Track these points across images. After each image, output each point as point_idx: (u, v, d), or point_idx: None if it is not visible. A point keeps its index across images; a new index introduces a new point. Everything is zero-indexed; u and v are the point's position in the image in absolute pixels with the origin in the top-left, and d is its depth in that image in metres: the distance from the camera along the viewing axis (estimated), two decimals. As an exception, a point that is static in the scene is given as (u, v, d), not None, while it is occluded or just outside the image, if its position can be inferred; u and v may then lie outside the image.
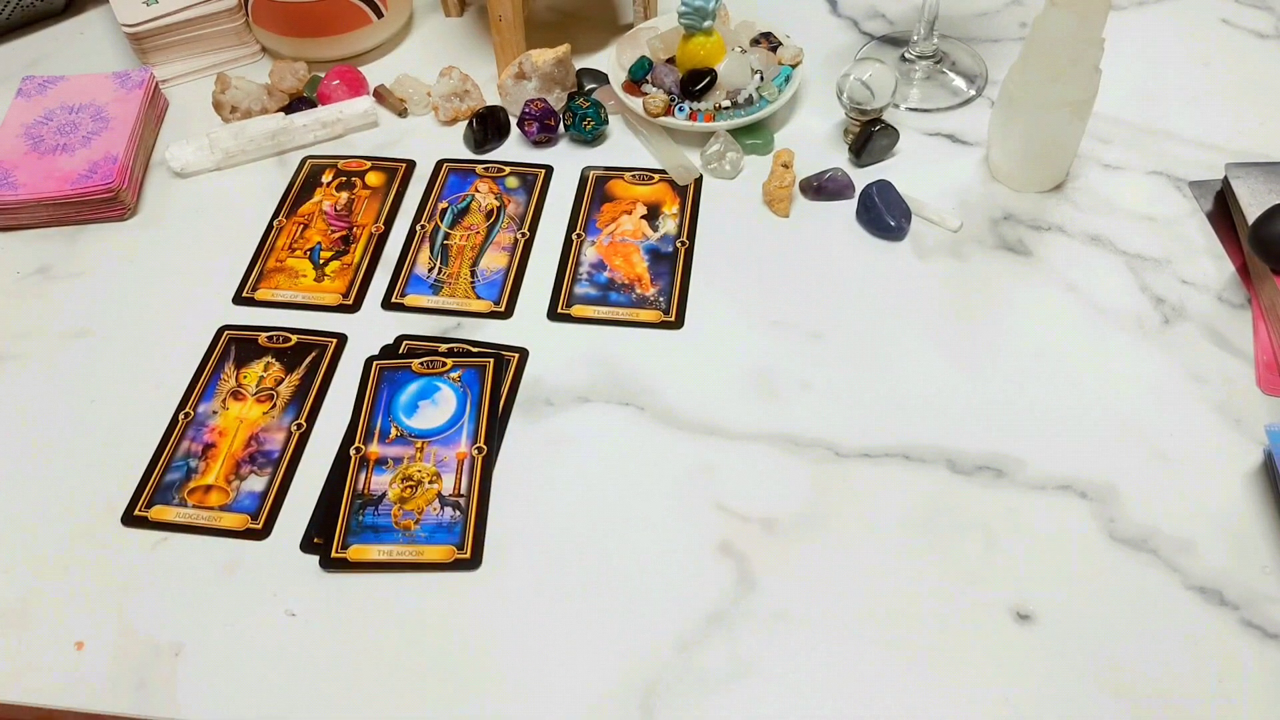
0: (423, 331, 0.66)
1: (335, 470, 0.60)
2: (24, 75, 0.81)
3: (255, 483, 0.59)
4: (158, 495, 0.59)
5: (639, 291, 0.68)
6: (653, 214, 0.72)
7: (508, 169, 0.76)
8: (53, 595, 0.55)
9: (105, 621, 0.54)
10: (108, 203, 0.73)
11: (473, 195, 0.74)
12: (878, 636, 0.52)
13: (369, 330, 0.66)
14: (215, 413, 0.63)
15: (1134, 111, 0.76)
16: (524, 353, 0.65)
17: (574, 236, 0.71)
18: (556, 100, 0.79)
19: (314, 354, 0.65)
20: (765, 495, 0.57)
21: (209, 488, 0.59)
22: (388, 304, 0.68)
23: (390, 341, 0.66)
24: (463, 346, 0.65)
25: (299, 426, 0.62)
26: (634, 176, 0.75)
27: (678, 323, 0.66)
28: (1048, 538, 0.55)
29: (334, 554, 0.56)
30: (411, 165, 0.77)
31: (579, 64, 0.82)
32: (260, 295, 0.69)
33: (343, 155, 0.78)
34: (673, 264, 0.69)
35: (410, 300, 0.68)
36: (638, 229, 0.71)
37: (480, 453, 0.60)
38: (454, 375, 0.63)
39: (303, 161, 0.77)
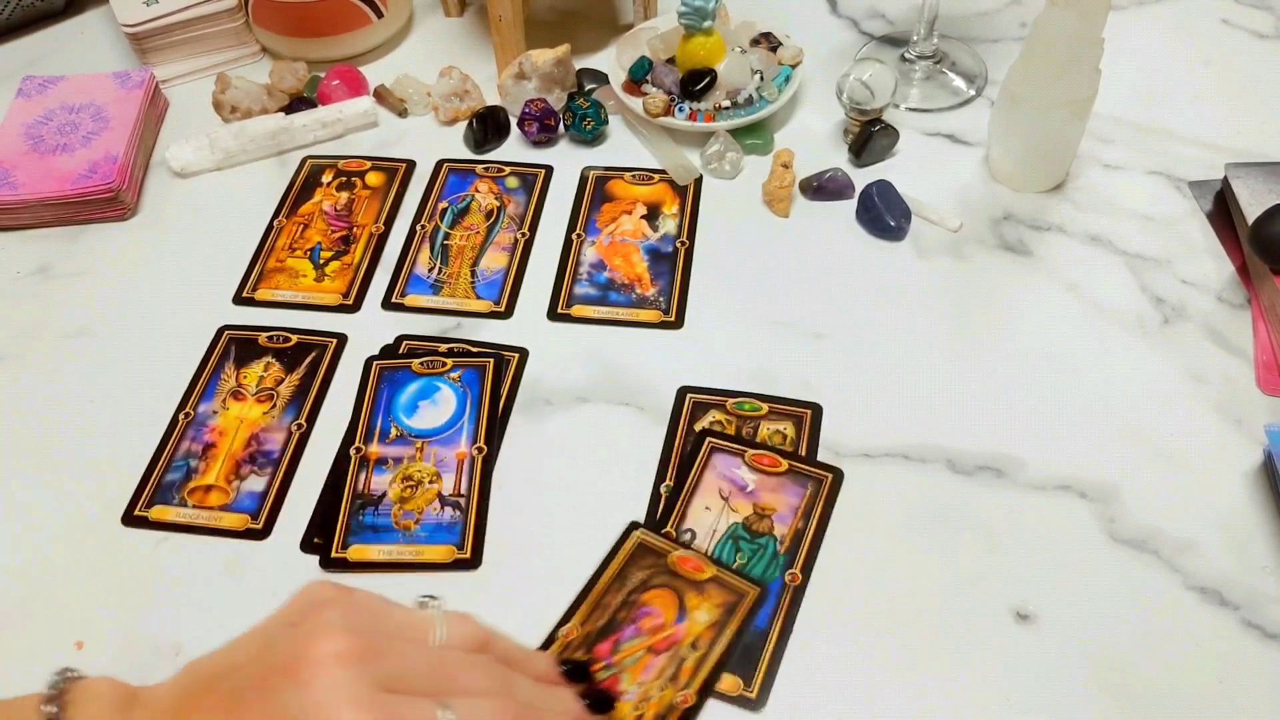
0: (423, 331, 0.66)
1: (335, 470, 0.60)
2: (24, 75, 0.81)
3: (255, 483, 0.59)
4: (158, 495, 0.59)
5: (639, 291, 0.68)
6: (653, 214, 0.72)
7: (508, 169, 0.76)
8: (53, 595, 0.55)
9: (105, 621, 0.54)
10: (108, 203, 0.73)
11: (473, 195, 0.74)
12: (878, 636, 0.52)
13: (369, 330, 0.66)
14: (215, 413, 0.63)
15: (1134, 111, 0.76)
16: (524, 353, 0.65)
17: (574, 236, 0.71)
18: (556, 100, 0.78)
19: (314, 354, 0.65)
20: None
21: (209, 488, 0.59)
22: (388, 304, 0.68)
23: (390, 341, 0.66)
24: (463, 346, 0.65)
25: (299, 426, 0.62)
26: (634, 176, 0.75)
27: (678, 323, 0.66)
28: (1048, 538, 0.55)
29: (334, 554, 0.56)
30: (411, 165, 0.77)
31: (579, 64, 0.82)
32: (260, 295, 0.69)
33: (343, 155, 0.78)
34: (673, 264, 0.69)
35: (410, 300, 0.68)
36: (638, 229, 0.71)
37: (480, 453, 0.60)
38: (454, 375, 0.63)
39: (303, 161, 0.77)
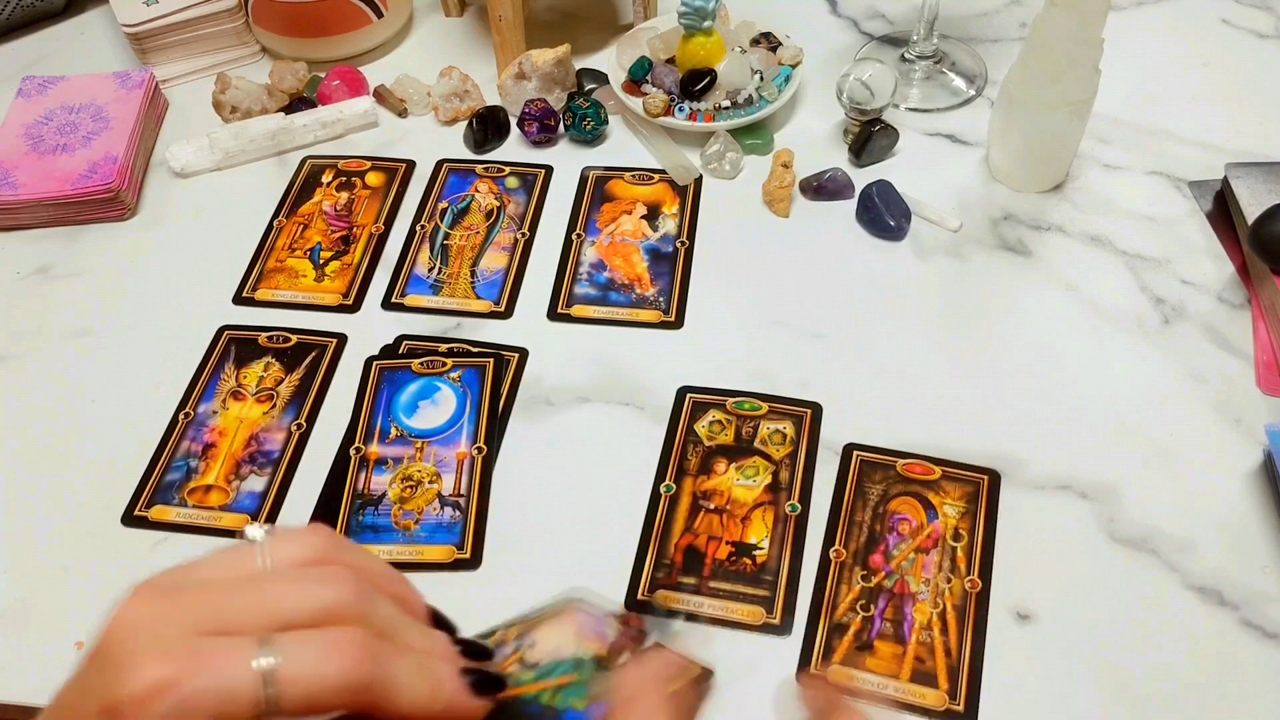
0: (423, 331, 0.66)
1: (335, 470, 0.60)
2: (24, 75, 0.81)
3: (255, 483, 0.59)
4: (158, 495, 0.59)
5: (639, 291, 0.68)
6: (652, 214, 0.72)
7: (508, 169, 0.76)
8: (53, 595, 0.55)
9: (105, 621, 0.54)
10: (108, 203, 0.73)
11: (473, 195, 0.74)
12: (877, 636, 0.52)
13: (369, 330, 0.66)
14: (215, 413, 0.63)
15: (1134, 111, 0.76)
16: (524, 353, 0.65)
17: (574, 236, 0.71)
18: (556, 100, 0.79)
19: (314, 354, 0.65)
20: (765, 495, 0.57)
21: (209, 488, 0.59)
22: (388, 304, 0.68)
23: (390, 341, 0.66)
24: (463, 346, 0.65)
25: (299, 426, 0.62)
26: (634, 176, 0.75)
27: (677, 322, 0.66)
28: (1048, 538, 0.55)
29: (334, 554, 0.56)
30: (411, 165, 0.77)
31: (579, 64, 0.82)
32: (260, 295, 0.69)
33: (343, 155, 0.78)
34: (672, 264, 0.69)
35: (410, 300, 0.68)
36: (637, 229, 0.71)
37: (480, 453, 0.60)
38: (454, 375, 0.63)
39: (303, 161, 0.77)
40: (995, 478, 0.56)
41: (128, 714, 0.29)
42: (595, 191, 0.74)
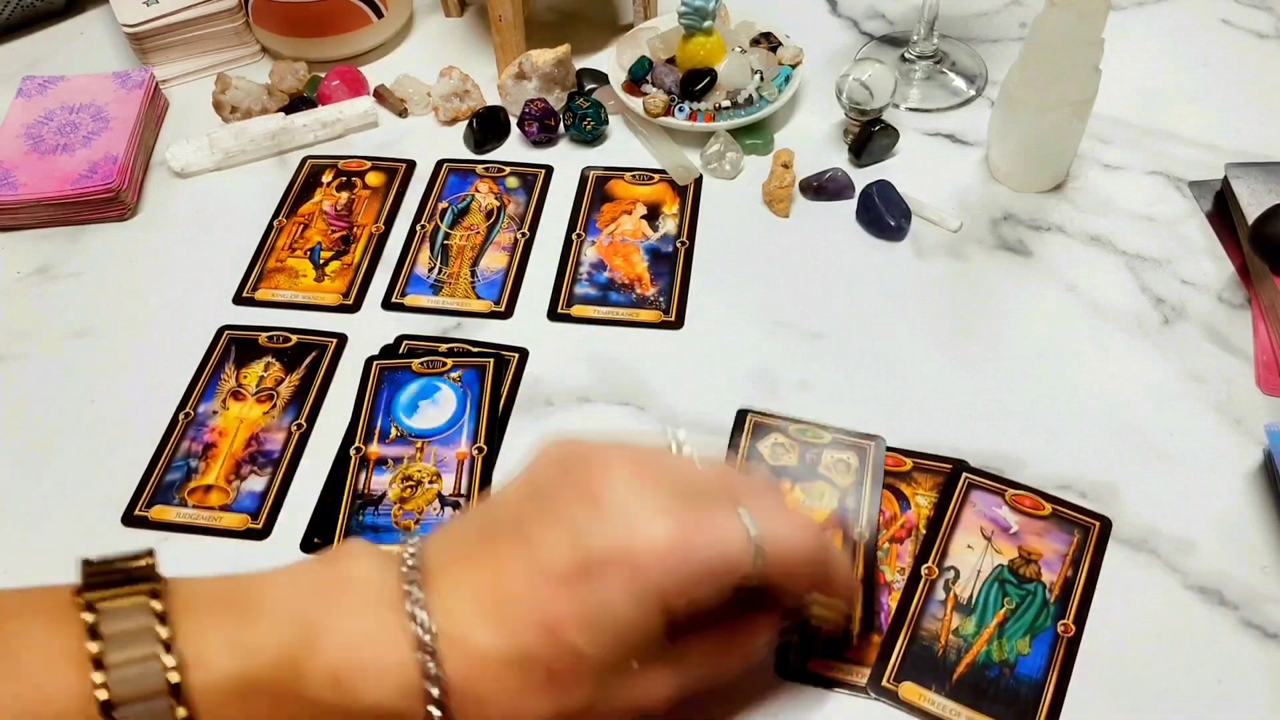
0: (423, 331, 0.66)
1: (335, 470, 0.60)
2: (24, 75, 0.81)
3: (255, 483, 0.59)
4: (158, 495, 0.59)
5: (639, 291, 0.68)
6: (653, 214, 0.72)
7: (508, 169, 0.76)
8: (53, 595, 0.55)
9: (105, 621, 0.54)
10: (108, 203, 0.73)
11: (473, 195, 0.74)
12: (877, 636, 0.52)
13: (369, 330, 0.66)
14: (215, 413, 0.63)
15: (1134, 111, 0.76)
16: (524, 353, 0.65)
17: (574, 236, 0.71)
18: (556, 100, 0.79)
19: (314, 354, 0.65)
20: (765, 495, 0.57)
21: (209, 488, 0.59)
22: (388, 304, 0.68)
23: (390, 341, 0.66)
24: (463, 346, 0.65)
25: (299, 426, 0.62)
26: (634, 176, 0.75)
27: (678, 323, 0.66)
28: (1047, 538, 0.55)
29: (334, 554, 0.56)
30: (411, 165, 0.77)
31: (579, 64, 0.82)
32: (260, 295, 0.69)
33: (343, 155, 0.78)
34: (673, 264, 0.69)
35: (410, 300, 0.68)
36: (638, 229, 0.71)
37: (480, 453, 0.60)
38: (454, 375, 0.63)
39: (303, 161, 0.77)
40: (959, 468, 0.57)
41: (640, 564, 0.32)
42: (595, 191, 0.74)
